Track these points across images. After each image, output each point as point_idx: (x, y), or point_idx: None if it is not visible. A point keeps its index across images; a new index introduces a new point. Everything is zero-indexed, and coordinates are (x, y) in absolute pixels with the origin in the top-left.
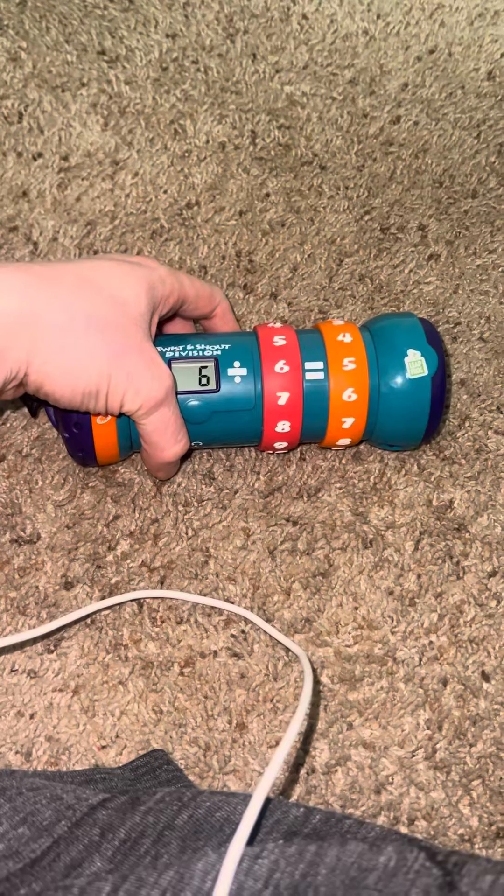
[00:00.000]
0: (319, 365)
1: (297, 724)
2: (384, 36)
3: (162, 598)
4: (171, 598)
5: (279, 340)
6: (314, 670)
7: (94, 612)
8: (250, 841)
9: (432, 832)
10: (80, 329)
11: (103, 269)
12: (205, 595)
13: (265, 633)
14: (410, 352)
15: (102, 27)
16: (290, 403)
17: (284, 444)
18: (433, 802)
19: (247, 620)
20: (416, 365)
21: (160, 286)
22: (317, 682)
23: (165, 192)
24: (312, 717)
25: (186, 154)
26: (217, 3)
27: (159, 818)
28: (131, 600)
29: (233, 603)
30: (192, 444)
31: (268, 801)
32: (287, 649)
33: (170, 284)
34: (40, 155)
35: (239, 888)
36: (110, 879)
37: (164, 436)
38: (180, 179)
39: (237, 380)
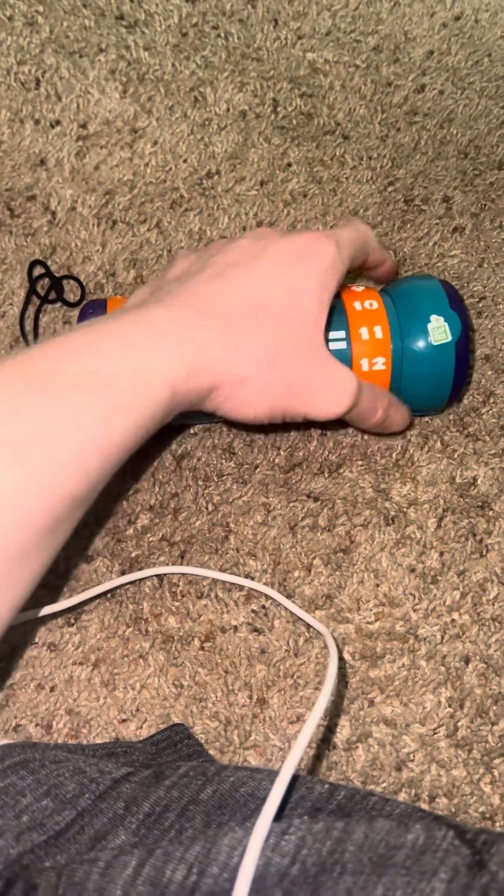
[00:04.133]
0: (341, 334)
1: (325, 700)
2: (409, 1)
3: (184, 577)
4: (193, 576)
5: None
6: (338, 647)
7: (117, 587)
8: (276, 817)
9: (453, 809)
10: (255, 373)
11: (269, 287)
12: (225, 570)
13: (286, 609)
14: (433, 317)
15: None
16: None
17: None
18: (454, 780)
19: (267, 596)
20: (439, 331)
21: (333, 270)
22: (340, 658)
23: (185, 161)
24: (334, 693)
25: (207, 122)
26: None
27: (184, 792)
28: (154, 576)
29: (253, 579)
30: (215, 418)
31: (293, 777)
32: (308, 625)
33: (339, 266)
34: (58, 122)
35: (266, 864)
36: (136, 853)
37: (363, 422)
38: (200, 148)
39: None
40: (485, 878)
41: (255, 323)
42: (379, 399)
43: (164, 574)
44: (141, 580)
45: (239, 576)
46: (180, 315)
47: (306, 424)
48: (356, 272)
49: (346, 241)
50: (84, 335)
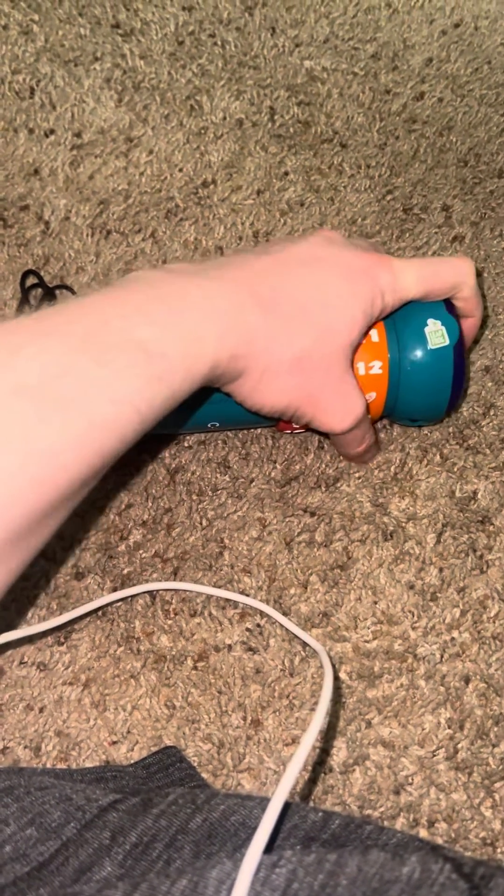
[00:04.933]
0: None
1: (318, 724)
2: (408, 9)
3: (175, 591)
4: (187, 593)
5: None
6: (333, 667)
7: (107, 605)
8: (268, 847)
9: (453, 835)
10: (283, 371)
11: (323, 293)
12: (219, 587)
13: (281, 627)
14: (431, 321)
15: None
16: None
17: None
18: (454, 804)
19: (262, 613)
20: (436, 335)
21: (380, 302)
22: (335, 678)
23: (181, 170)
24: (330, 714)
25: (203, 131)
26: None
27: (172, 821)
28: (144, 592)
29: (248, 595)
30: (209, 425)
31: (286, 805)
32: (304, 644)
33: (389, 297)
34: (52, 131)
35: None
36: (121, 887)
37: (345, 446)
38: (196, 157)
39: None
40: None
41: (301, 323)
42: (368, 432)
43: (157, 591)
44: (132, 598)
45: (233, 593)
46: (234, 293)
47: (302, 436)
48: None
49: (410, 274)
50: (136, 295)
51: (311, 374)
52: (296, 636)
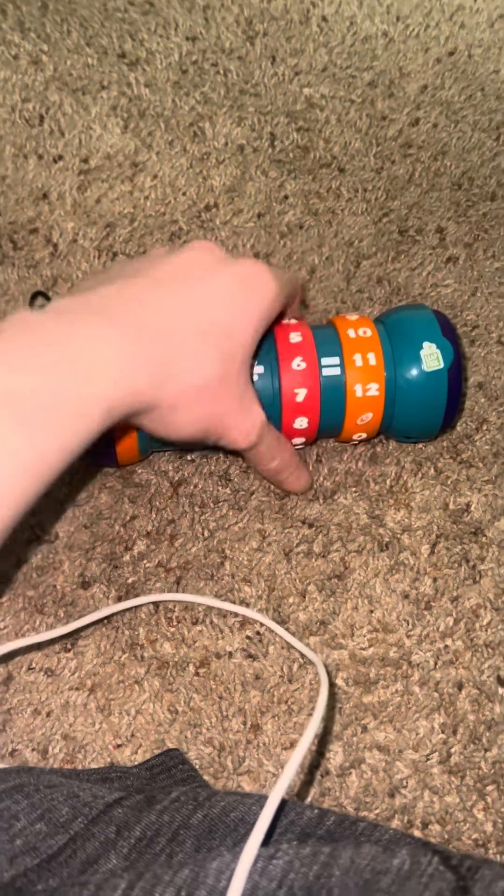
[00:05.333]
0: (335, 361)
1: (314, 729)
2: (403, 38)
3: (180, 603)
4: (186, 601)
5: (295, 337)
6: (329, 675)
7: (113, 614)
8: (265, 842)
9: (446, 836)
10: (191, 401)
11: (219, 311)
12: (220, 596)
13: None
14: (426, 344)
15: (123, 30)
16: (307, 400)
17: (302, 440)
18: (447, 807)
19: (262, 624)
20: (431, 358)
21: (268, 315)
22: (332, 684)
23: (184, 194)
24: (327, 719)
25: (205, 156)
26: (237, 5)
27: (175, 817)
28: (149, 603)
29: (248, 605)
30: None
31: (283, 802)
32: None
33: (278, 305)
34: (61, 157)
35: (253, 888)
36: (126, 877)
37: (258, 463)
38: (199, 181)
39: (254, 377)
40: None
41: (203, 348)
42: (279, 450)
43: (161, 601)
44: (136, 608)
45: (234, 602)
46: (124, 332)
47: (300, 451)
48: None
49: (286, 282)
50: (16, 343)
51: (219, 398)
52: (296, 644)
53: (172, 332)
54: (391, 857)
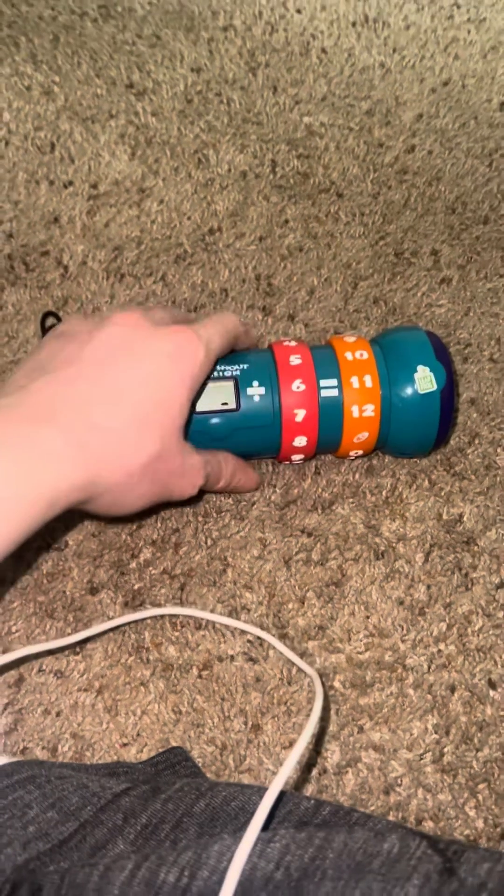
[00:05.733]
0: (333, 382)
1: (309, 732)
2: (400, 69)
3: (183, 607)
4: (192, 607)
5: (295, 360)
6: (324, 684)
7: (123, 625)
8: (264, 828)
9: (439, 832)
10: (134, 483)
11: (151, 392)
12: (223, 601)
13: (280, 637)
14: (420, 368)
15: (131, 62)
16: (306, 420)
17: (301, 457)
18: (440, 804)
19: (263, 626)
20: (425, 380)
21: (198, 380)
22: (326, 695)
23: (189, 218)
24: (324, 720)
25: (209, 182)
26: (240, 38)
27: (178, 805)
28: (157, 616)
29: (249, 611)
30: None
31: (281, 793)
32: (301, 654)
33: (206, 367)
34: (71, 183)
35: (252, 868)
36: (133, 858)
37: (208, 489)
38: (203, 206)
39: (256, 398)
40: (454, 884)
41: (140, 431)
42: (223, 469)
43: (168, 615)
44: (142, 610)
45: (236, 607)
46: (65, 433)
47: (299, 464)
48: None
49: (215, 339)
50: None
51: (160, 470)
52: (293, 659)
53: (110, 425)
54: (381, 842)
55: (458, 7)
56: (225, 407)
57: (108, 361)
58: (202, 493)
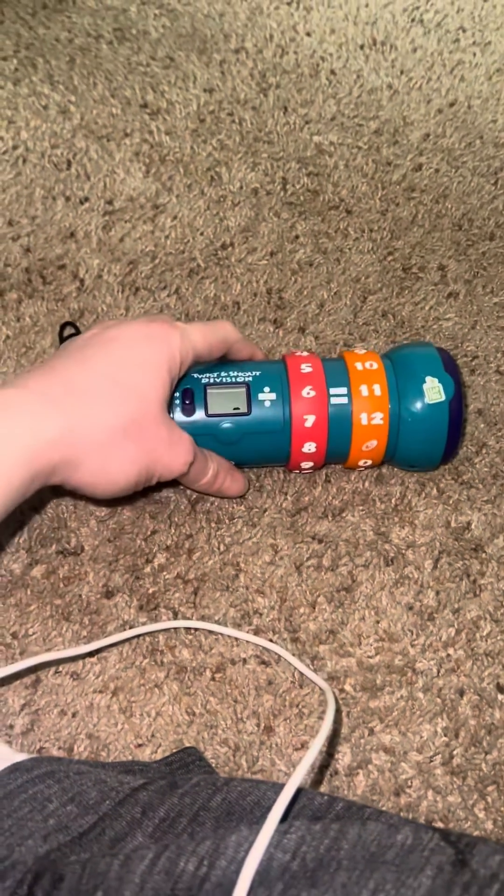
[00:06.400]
0: (343, 391)
1: (322, 738)
2: (407, 90)
3: (197, 612)
4: (205, 611)
5: (306, 368)
6: (335, 693)
7: (141, 635)
8: (280, 822)
9: None
10: (118, 442)
11: (124, 362)
12: (234, 606)
13: (291, 642)
14: (428, 378)
15: (145, 82)
16: (315, 426)
17: (311, 465)
18: (450, 806)
19: (275, 630)
20: (433, 391)
21: (175, 360)
22: (338, 710)
23: (202, 233)
24: (336, 722)
25: (222, 199)
26: (251, 60)
27: (195, 800)
28: (173, 628)
29: (261, 615)
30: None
31: (297, 789)
32: (312, 657)
33: (182, 354)
34: (87, 199)
35: (269, 859)
36: (153, 848)
37: (193, 479)
38: (216, 222)
39: (267, 404)
40: (466, 875)
41: (116, 395)
42: (209, 462)
43: (183, 627)
44: (158, 613)
45: (248, 612)
46: (41, 392)
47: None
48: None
49: (195, 333)
50: None
51: (145, 435)
52: (305, 652)
53: (85, 385)
54: (395, 833)
55: (464, 31)
56: (236, 411)
57: (88, 344)
58: (187, 489)
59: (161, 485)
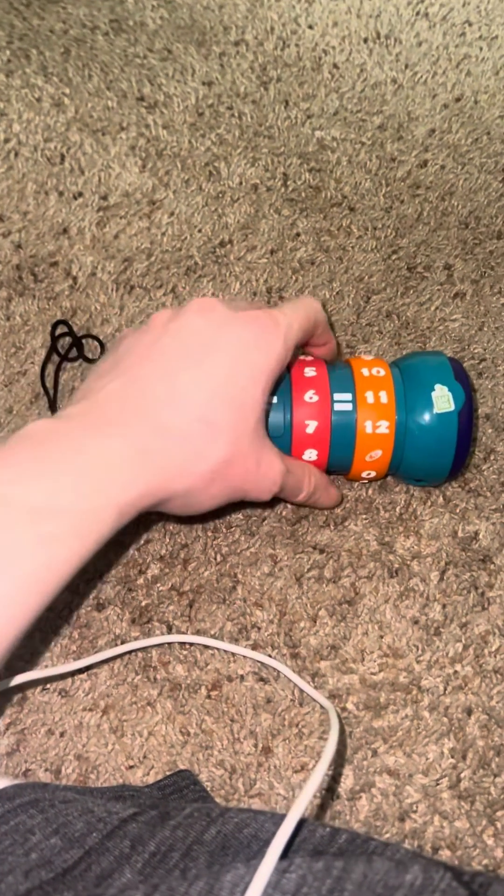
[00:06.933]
0: (348, 397)
1: (323, 767)
2: (412, 84)
3: (192, 626)
4: (200, 624)
5: (310, 372)
6: (338, 713)
7: (133, 651)
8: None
9: (456, 861)
10: (204, 486)
11: (221, 390)
12: (232, 620)
13: (291, 658)
14: (437, 387)
15: (142, 75)
16: (317, 432)
17: None
18: (457, 832)
19: (273, 646)
20: (442, 400)
21: (278, 370)
22: (342, 731)
23: (200, 230)
24: (339, 743)
25: (220, 195)
26: (251, 52)
27: (188, 832)
28: (167, 643)
29: (259, 629)
30: None
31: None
32: (312, 675)
33: (284, 358)
34: (81, 194)
35: None
36: (142, 888)
37: (288, 498)
38: (214, 219)
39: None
40: None
41: (206, 441)
42: (305, 482)
43: (173, 624)
44: (150, 628)
45: (245, 626)
46: (130, 435)
47: None
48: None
49: (295, 326)
50: (28, 455)
51: (233, 472)
52: (305, 668)
53: (179, 425)
54: (403, 873)
55: (470, 24)
56: None
57: (180, 356)
58: (278, 500)
59: None
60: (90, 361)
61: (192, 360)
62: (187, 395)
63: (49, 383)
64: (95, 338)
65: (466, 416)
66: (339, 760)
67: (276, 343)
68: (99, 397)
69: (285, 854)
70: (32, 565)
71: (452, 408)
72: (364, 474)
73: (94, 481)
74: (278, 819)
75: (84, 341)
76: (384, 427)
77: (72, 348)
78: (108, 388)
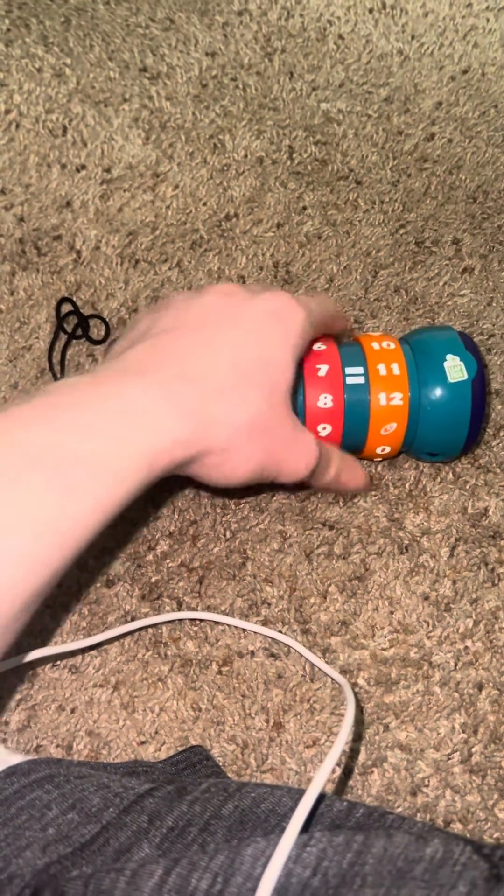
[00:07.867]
0: (359, 370)
1: (341, 743)
2: (418, 56)
3: (202, 602)
4: (210, 601)
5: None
6: (357, 699)
7: (144, 627)
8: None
9: (468, 834)
10: (239, 443)
11: (251, 348)
12: (242, 596)
13: (302, 633)
14: (449, 357)
15: (144, 45)
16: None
17: None
18: (469, 805)
19: (284, 621)
20: (455, 369)
21: (303, 342)
22: (360, 709)
23: (205, 204)
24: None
25: (225, 168)
26: (255, 23)
27: (206, 807)
28: (177, 619)
29: (270, 605)
30: None
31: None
32: (323, 650)
33: (308, 331)
34: (84, 167)
35: (288, 875)
36: (162, 863)
37: (317, 482)
38: (219, 192)
39: None
40: (502, 891)
41: (246, 387)
42: (332, 458)
43: (183, 600)
44: (161, 603)
45: (256, 602)
46: (159, 385)
47: None
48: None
49: (315, 308)
50: (53, 403)
51: (268, 434)
52: (316, 644)
53: (210, 378)
54: (424, 846)
55: None
56: None
57: (209, 323)
58: (304, 487)
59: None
60: (95, 342)
61: (219, 326)
62: (221, 349)
63: (55, 360)
64: (102, 318)
65: (480, 385)
66: (352, 736)
67: (300, 316)
68: (125, 357)
69: (305, 828)
70: (53, 514)
71: (466, 377)
72: (378, 450)
73: (122, 426)
74: (295, 794)
75: (89, 320)
76: (398, 399)
77: (77, 327)
78: (134, 349)
